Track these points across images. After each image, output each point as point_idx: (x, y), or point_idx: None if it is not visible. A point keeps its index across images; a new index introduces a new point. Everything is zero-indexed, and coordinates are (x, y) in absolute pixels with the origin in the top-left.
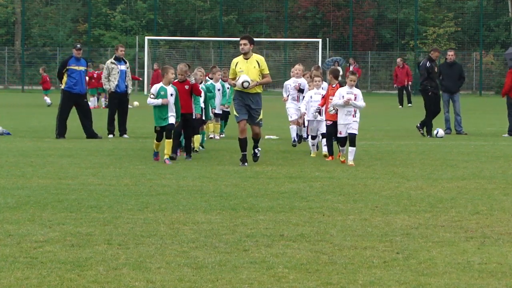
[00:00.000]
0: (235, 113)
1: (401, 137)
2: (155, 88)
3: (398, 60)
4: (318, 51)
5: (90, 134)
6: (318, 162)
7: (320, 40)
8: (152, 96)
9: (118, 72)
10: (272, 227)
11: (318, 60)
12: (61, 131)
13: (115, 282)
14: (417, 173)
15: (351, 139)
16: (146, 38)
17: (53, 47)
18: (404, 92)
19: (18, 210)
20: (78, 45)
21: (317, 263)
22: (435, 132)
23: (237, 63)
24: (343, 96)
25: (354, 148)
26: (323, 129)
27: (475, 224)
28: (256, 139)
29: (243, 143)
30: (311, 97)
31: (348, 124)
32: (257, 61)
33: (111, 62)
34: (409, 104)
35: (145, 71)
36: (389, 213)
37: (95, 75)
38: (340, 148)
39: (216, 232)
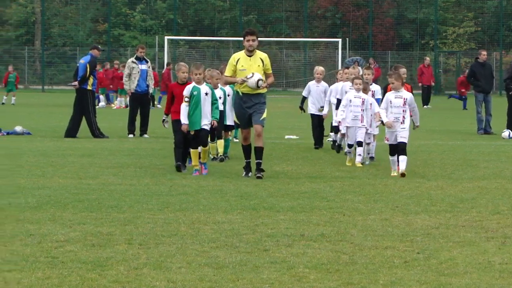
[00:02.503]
0: (234, 119)
1: (421, 137)
2: (188, 89)
3: (427, 58)
4: (338, 51)
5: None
6: (338, 162)
7: (340, 40)
8: (186, 99)
9: (138, 72)
10: (292, 227)
11: (338, 60)
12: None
13: (136, 281)
14: (438, 173)
15: (401, 148)
16: (166, 38)
17: (73, 47)
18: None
19: (39, 209)
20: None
21: (337, 263)
22: (506, 133)
23: (238, 59)
24: (390, 101)
25: (405, 157)
26: (360, 137)
27: (495, 224)
28: (258, 148)
29: (246, 150)
30: (350, 101)
31: (396, 131)
32: (261, 59)
33: (132, 61)
34: (427, 105)
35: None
36: (409, 213)
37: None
38: (390, 158)
39: (237, 232)
